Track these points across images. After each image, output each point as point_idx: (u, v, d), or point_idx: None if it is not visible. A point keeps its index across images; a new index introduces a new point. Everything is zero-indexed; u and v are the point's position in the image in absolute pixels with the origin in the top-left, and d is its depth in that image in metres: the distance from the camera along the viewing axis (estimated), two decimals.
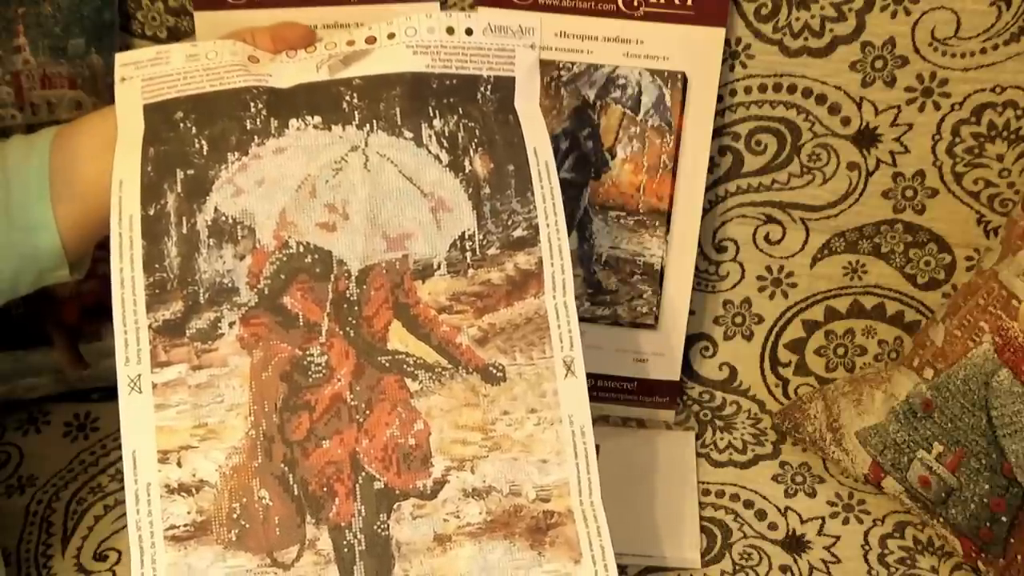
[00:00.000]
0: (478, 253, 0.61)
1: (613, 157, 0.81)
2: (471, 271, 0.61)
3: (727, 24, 0.77)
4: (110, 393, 0.86)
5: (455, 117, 0.62)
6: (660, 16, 0.76)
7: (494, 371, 0.60)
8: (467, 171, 0.62)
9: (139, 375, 0.57)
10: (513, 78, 0.64)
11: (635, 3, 0.77)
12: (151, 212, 0.59)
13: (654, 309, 0.84)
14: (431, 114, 0.62)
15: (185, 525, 0.56)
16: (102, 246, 0.64)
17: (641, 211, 0.82)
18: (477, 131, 0.62)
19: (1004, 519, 0.71)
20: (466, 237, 0.61)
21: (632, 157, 0.81)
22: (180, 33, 0.81)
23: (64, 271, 0.64)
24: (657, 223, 0.82)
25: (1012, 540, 0.71)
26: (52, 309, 0.82)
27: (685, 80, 0.78)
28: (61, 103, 0.78)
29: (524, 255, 0.62)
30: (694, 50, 0.77)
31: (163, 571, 0.56)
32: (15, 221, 0.62)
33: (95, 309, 0.83)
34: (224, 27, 0.77)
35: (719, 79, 0.78)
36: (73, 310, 0.83)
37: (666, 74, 0.78)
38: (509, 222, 0.62)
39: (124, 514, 0.76)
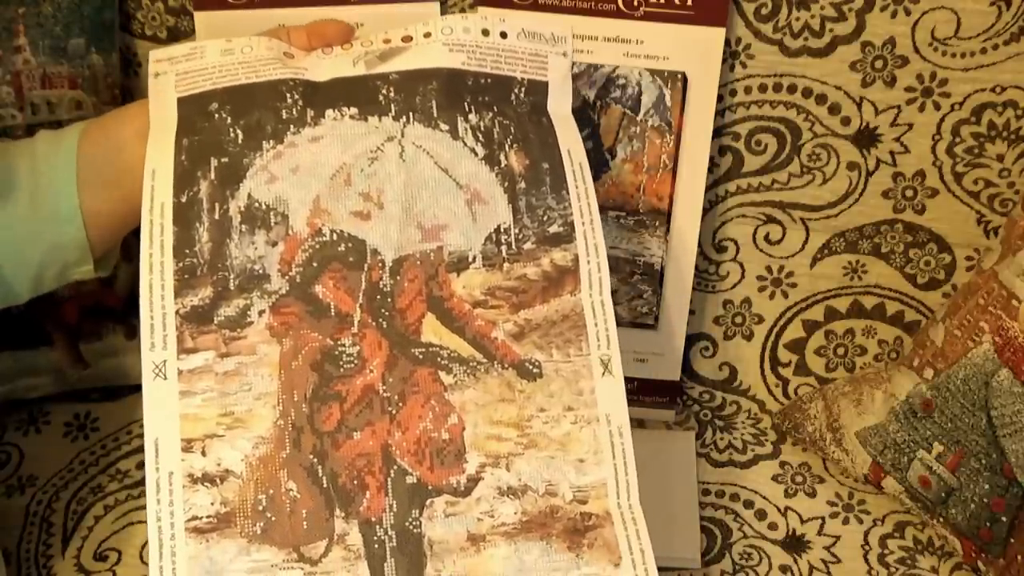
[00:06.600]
0: (514, 247, 0.60)
1: (613, 157, 0.81)
2: (506, 265, 0.60)
3: (727, 24, 0.77)
4: (110, 393, 0.87)
5: (490, 114, 0.62)
6: (660, 16, 0.76)
7: (530, 367, 0.59)
8: (503, 165, 0.61)
9: (164, 361, 0.56)
10: (546, 83, 0.64)
11: (635, 3, 0.77)
12: (183, 199, 0.58)
13: (654, 309, 0.84)
14: (467, 109, 0.61)
15: (208, 516, 0.54)
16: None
17: (641, 211, 0.82)
18: (512, 128, 0.62)
19: (1004, 519, 0.71)
20: (501, 230, 0.60)
21: (632, 157, 0.81)
22: (180, 33, 0.81)
23: (88, 266, 0.64)
24: (657, 223, 0.82)
25: (1012, 540, 0.71)
26: (52, 309, 0.82)
27: (685, 80, 0.78)
28: (61, 103, 0.78)
29: (560, 251, 0.61)
30: (694, 50, 0.77)
31: (183, 564, 0.54)
32: (42, 210, 0.61)
33: (95, 309, 0.84)
34: (224, 27, 0.78)
35: (719, 79, 0.78)
36: (73, 310, 0.83)
37: (666, 74, 0.78)
38: (544, 217, 0.61)
39: (124, 514, 0.77)
